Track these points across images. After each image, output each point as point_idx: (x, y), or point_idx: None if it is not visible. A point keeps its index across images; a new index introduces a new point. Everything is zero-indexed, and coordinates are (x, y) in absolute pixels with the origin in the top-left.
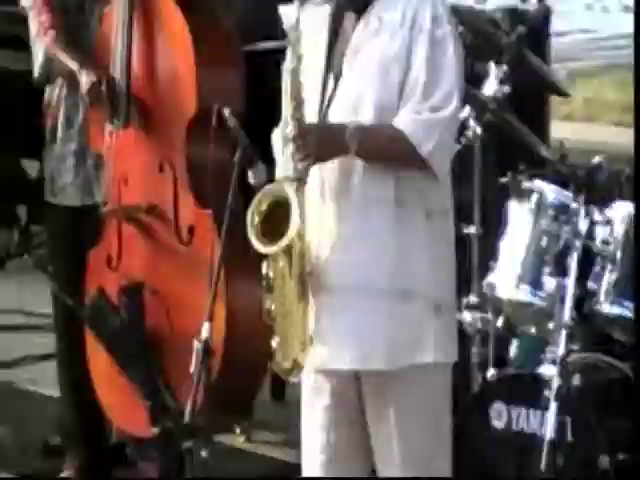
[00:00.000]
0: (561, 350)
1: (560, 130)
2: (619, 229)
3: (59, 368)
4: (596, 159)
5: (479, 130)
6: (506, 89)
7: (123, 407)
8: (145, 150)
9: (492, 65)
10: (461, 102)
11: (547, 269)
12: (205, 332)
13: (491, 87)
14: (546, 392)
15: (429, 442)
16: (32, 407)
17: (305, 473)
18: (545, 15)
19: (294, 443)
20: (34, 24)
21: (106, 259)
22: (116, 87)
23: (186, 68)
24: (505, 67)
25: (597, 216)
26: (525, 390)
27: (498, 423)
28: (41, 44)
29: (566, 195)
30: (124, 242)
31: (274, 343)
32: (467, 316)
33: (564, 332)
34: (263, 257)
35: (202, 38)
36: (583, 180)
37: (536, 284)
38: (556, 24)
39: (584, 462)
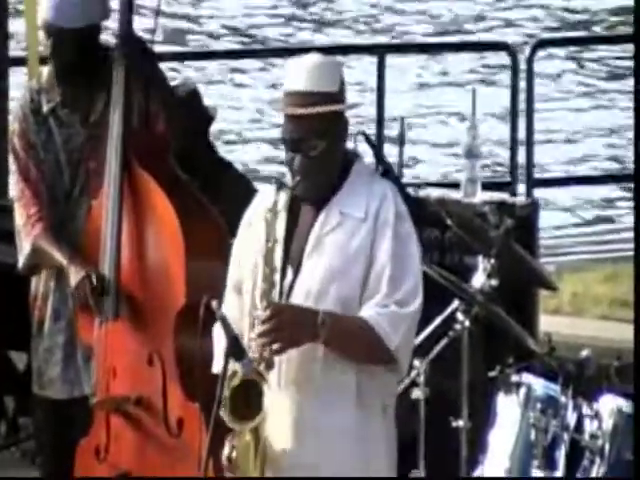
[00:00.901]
0: None
1: (548, 323)
2: (607, 423)
3: None
4: (584, 353)
5: (467, 323)
6: (494, 282)
7: None
8: (134, 342)
9: (480, 258)
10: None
11: (535, 462)
12: None
13: (479, 280)
14: None
15: None
16: None
17: None
18: (533, 209)
19: None
20: (21, 215)
21: (94, 451)
22: (104, 281)
23: (175, 260)
24: (493, 260)
25: (585, 409)
26: None
27: None
28: (28, 237)
29: (554, 388)
30: (113, 433)
31: None
32: None
33: None
34: None
35: (191, 229)
36: (571, 374)
37: (525, 478)
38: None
39: None
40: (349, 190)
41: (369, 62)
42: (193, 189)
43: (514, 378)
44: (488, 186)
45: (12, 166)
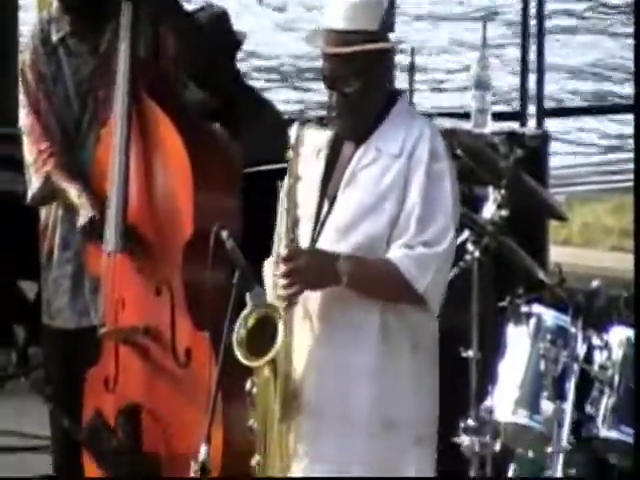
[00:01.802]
0: (558, 474)
1: (558, 254)
2: (617, 354)
3: None
4: (594, 284)
5: (477, 254)
6: (504, 213)
7: None
8: (142, 274)
9: (490, 189)
10: (455, 237)
11: (545, 393)
12: (202, 454)
13: (489, 211)
14: None
15: None
16: None
17: None
18: (543, 139)
19: None
20: (31, 150)
21: (103, 381)
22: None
23: (184, 190)
24: (503, 191)
25: (595, 340)
26: None
27: None
28: (39, 172)
29: (564, 319)
30: (121, 364)
31: (254, 461)
32: (465, 439)
33: (562, 456)
34: None
35: (200, 160)
36: (581, 304)
37: (534, 408)
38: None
39: None
40: (388, 127)
41: None
42: (203, 119)
43: (524, 309)
44: (498, 116)
45: (22, 97)
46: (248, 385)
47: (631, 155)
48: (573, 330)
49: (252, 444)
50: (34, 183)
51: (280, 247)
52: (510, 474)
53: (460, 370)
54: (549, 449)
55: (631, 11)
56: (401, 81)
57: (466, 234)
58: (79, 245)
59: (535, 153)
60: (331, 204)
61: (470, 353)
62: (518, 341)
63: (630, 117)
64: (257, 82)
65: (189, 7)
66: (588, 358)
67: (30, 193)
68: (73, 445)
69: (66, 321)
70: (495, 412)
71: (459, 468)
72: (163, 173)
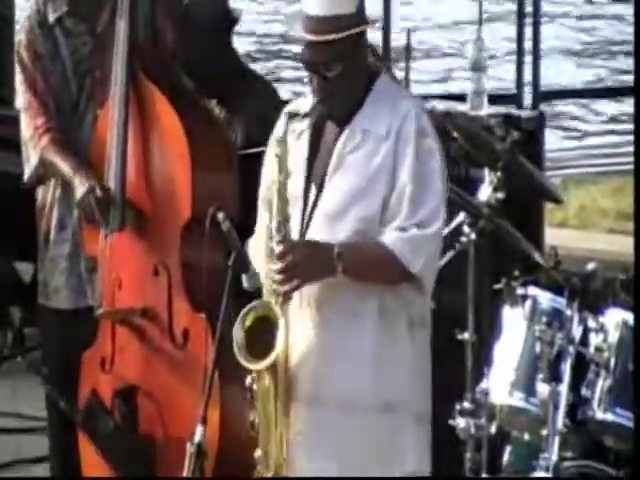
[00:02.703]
0: (554, 457)
1: (554, 237)
2: (613, 336)
3: (52, 471)
4: (590, 266)
5: (473, 236)
6: (500, 195)
7: None
8: (140, 253)
9: (486, 171)
10: (445, 215)
11: (541, 375)
12: (198, 435)
13: (485, 193)
14: None
15: None
16: None
17: None
18: (539, 121)
19: None
20: (28, 126)
21: (100, 362)
22: (110, 193)
23: (182, 172)
24: (499, 173)
25: (591, 323)
26: None
27: None
28: (35, 148)
29: (560, 302)
30: (118, 345)
31: (256, 455)
32: (461, 422)
33: (557, 439)
34: None
35: (198, 141)
36: (577, 287)
37: (529, 390)
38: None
39: None
40: (372, 107)
41: None
42: (200, 101)
43: (520, 291)
44: (494, 98)
45: (18, 77)
46: (248, 381)
47: (627, 138)
48: (569, 312)
49: (249, 427)
50: (31, 160)
51: (272, 242)
52: (506, 456)
53: (456, 352)
54: (545, 432)
55: None
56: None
57: (462, 216)
58: (76, 225)
59: (531, 135)
60: (319, 189)
61: (466, 335)
62: (514, 323)
63: (625, 99)
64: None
65: None
66: (584, 340)
67: (27, 171)
68: (69, 426)
69: (63, 301)
70: (491, 394)
71: (454, 451)
72: (161, 154)
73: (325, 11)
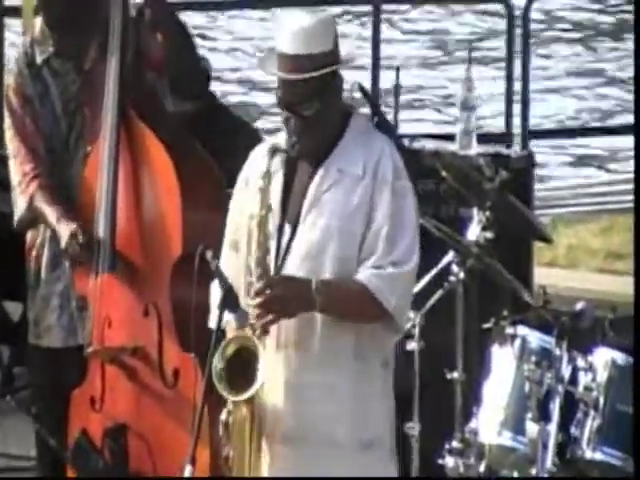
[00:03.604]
0: None
1: (543, 276)
2: (602, 375)
3: None
4: (579, 305)
5: (462, 275)
6: (489, 234)
7: None
8: (130, 294)
9: (475, 210)
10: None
11: (530, 414)
12: (187, 474)
13: (474, 232)
14: None
15: None
16: None
17: None
18: (529, 161)
19: None
20: (17, 172)
21: (90, 400)
22: (92, 237)
23: (172, 208)
24: (488, 212)
25: (580, 362)
26: None
27: None
28: (24, 194)
29: (549, 341)
30: (108, 383)
31: None
32: (450, 461)
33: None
34: None
35: (188, 178)
36: (566, 326)
37: (519, 430)
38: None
39: None
40: (346, 146)
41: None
42: (190, 139)
43: (509, 330)
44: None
45: (7, 121)
46: (223, 416)
47: (617, 177)
48: (558, 352)
49: (223, 461)
50: (20, 206)
51: (252, 277)
52: None
53: (445, 392)
54: (534, 471)
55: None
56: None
57: (451, 255)
58: (67, 264)
59: (520, 175)
60: (294, 228)
61: (455, 375)
62: (503, 363)
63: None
64: None
65: None
66: (573, 380)
67: (17, 216)
68: (59, 465)
69: (54, 339)
70: (480, 434)
71: None
72: (151, 193)
73: (301, 50)
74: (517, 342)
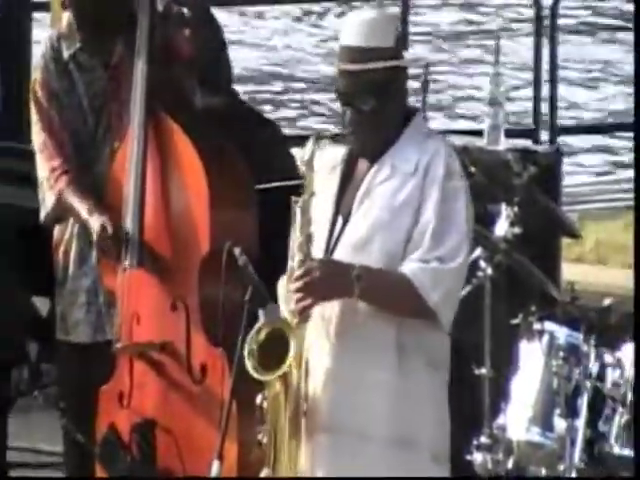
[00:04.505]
0: None
1: (571, 272)
2: (629, 371)
3: None
4: (607, 301)
5: (490, 271)
6: (517, 230)
7: None
8: (158, 289)
9: (503, 206)
10: (468, 254)
11: (558, 410)
12: (215, 471)
13: (502, 228)
14: None
15: None
16: None
17: None
18: (557, 156)
19: None
20: (44, 167)
21: (118, 396)
22: (124, 231)
23: (200, 207)
24: (516, 208)
25: (608, 358)
26: None
27: None
28: (52, 190)
29: (577, 337)
30: (136, 379)
31: (263, 474)
32: (478, 457)
33: (575, 474)
34: None
35: (216, 176)
36: (594, 322)
37: (547, 425)
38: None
39: None
40: (403, 145)
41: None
42: (219, 136)
43: (537, 326)
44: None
45: (34, 116)
46: (258, 399)
47: None
48: (585, 348)
49: (257, 446)
50: (47, 201)
51: (294, 262)
52: None
53: (473, 387)
54: (561, 467)
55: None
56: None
57: (479, 251)
58: (95, 260)
59: (548, 170)
60: (345, 220)
61: (483, 370)
62: (531, 358)
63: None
64: None
65: None
66: (601, 376)
67: (43, 212)
68: (87, 461)
69: (81, 335)
70: (508, 430)
71: None
72: (179, 189)
73: (358, 42)
74: (545, 338)
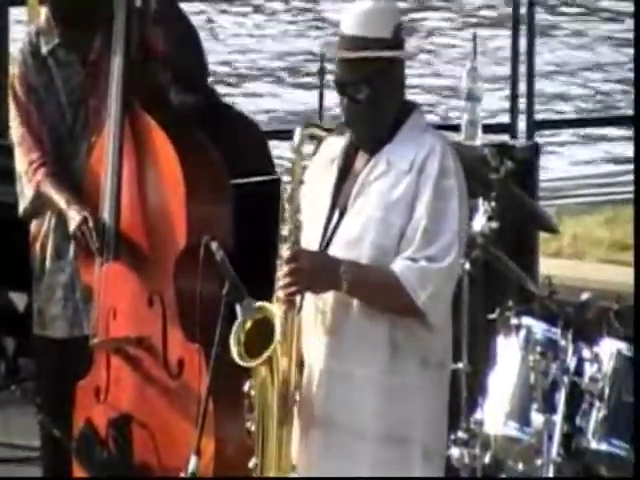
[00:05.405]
0: None
1: (548, 266)
2: (607, 366)
3: None
4: (584, 296)
5: (467, 266)
6: (494, 225)
7: None
8: (134, 284)
9: (480, 201)
10: (460, 254)
11: (535, 405)
12: (192, 465)
13: (479, 223)
14: None
15: None
16: None
17: None
18: (534, 152)
19: None
20: (23, 160)
21: (95, 391)
22: (102, 224)
23: (176, 202)
24: (493, 203)
25: (585, 353)
26: None
27: None
28: (30, 183)
29: (554, 332)
30: (112, 374)
31: (251, 464)
32: (455, 452)
33: (552, 469)
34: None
35: (192, 171)
36: (571, 317)
37: (524, 420)
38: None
39: None
40: (400, 141)
41: None
42: (195, 131)
43: (514, 321)
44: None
45: (12, 111)
46: (246, 387)
47: (621, 167)
48: (563, 343)
49: (245, 455)
50: (26, 194)
51: (283, 249)
52: None
53: (450, 382)
54: (539, 461)
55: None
56: None
57: None
58: (72, 255)
59: (525, 165)
60: (341, 214)
61: (460, 365)
62: (508, 353)
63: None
64: None
65: None
66: (578, 370)
67: (22, 205)
68: (63, 456)
69: (58, 330)
70: (485, 424)
71: None
72: (156, 183)
73: (355, 31)
74: (522, 333)
